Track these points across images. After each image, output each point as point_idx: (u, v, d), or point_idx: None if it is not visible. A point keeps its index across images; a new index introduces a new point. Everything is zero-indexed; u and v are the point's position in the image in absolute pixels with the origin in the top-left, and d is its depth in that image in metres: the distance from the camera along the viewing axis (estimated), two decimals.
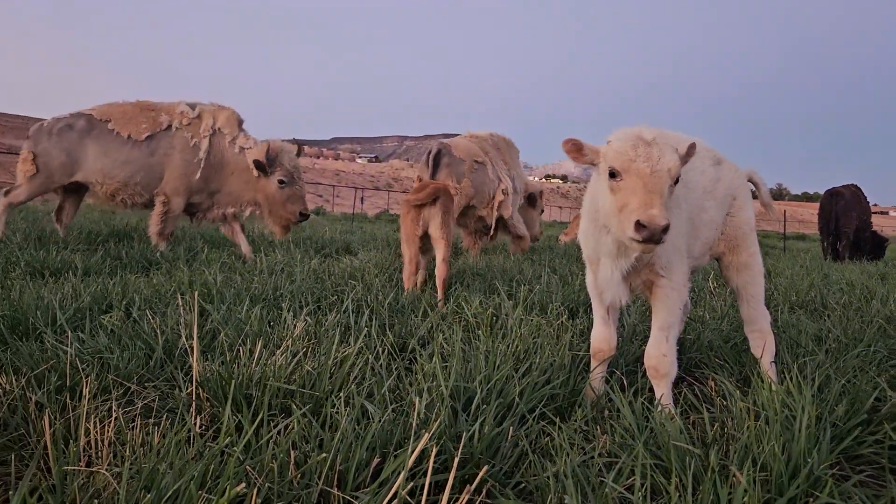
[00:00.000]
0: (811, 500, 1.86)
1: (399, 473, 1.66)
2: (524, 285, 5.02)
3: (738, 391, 2.53)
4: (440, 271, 5.01)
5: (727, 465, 1.97)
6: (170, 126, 7.64)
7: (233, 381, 2.23)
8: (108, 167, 7.48)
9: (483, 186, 8.52)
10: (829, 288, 6.24)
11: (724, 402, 2.60)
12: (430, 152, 8.21)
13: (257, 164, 7.35)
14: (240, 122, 7.93)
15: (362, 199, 44.81)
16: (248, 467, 1.72)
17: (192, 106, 7.85)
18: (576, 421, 2.43)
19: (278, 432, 2.07)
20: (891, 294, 5.76)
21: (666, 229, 2.09)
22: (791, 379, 2.46)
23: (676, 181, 2.32)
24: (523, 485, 1.98)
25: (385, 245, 9.83)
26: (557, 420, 2.32)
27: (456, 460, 1.48)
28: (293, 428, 2.01)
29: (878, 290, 6.03)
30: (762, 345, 3.04)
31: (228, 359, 2.83)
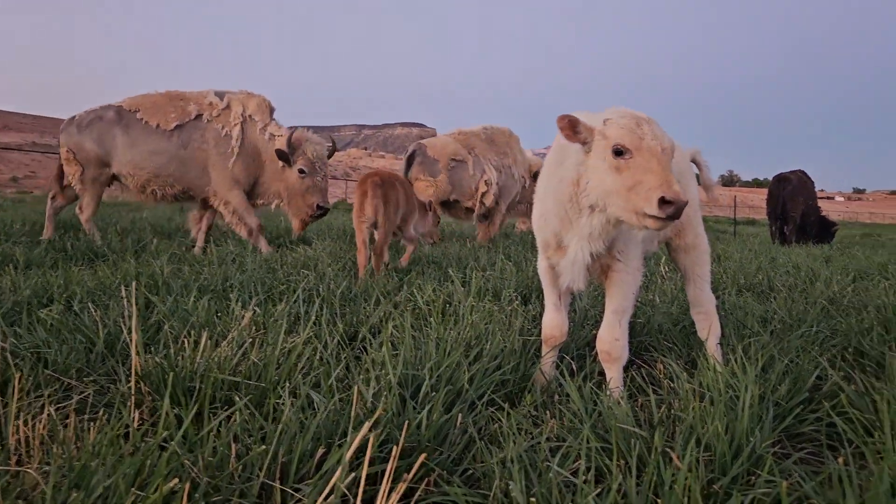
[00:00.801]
0: (753, 478, 1.89)
1: (350, 459, 1.63)
2: (478, 272, 5.02)
3: (684, 373, 2.56)
4: (373, 253, 5.41)
5: (672, 447, 1.99)
6: (199, 116, 7.45)
7: (171, 374, 2.16)
8: (138, 158, 7.30)
9: (462, 182, 9.04)
10: (776, 271, 6.39)
11: (672, 385, 2.63)
12: (406, 152, 8.95)
13: (279, 153, 7.14)
14: (271, 110, 7.74)
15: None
16: (186, 462, 1.67)
17: (221, 95, 7.65)
18: (525, 406, 2.43)
19: (220, 425, 2.02)
20: (834, 276, 5.92)
21: (686, 204, 2.11)
22: (736, 360, 2.50)
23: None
24: (471, 472, 1.97)
25: (341, 234, 9.74)
26: (506, 406, 2.31)
27: (397, 450, 1.45)
28: (236, 420, 1.96)
29: (823, 273, 6.19)
30: (708, 327, 3.09)
31: (173, 351, 2.76)
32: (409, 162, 8.86)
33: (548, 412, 2.38)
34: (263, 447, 1.66)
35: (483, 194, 9.29)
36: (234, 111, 7.51)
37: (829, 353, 3.17)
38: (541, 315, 3.74)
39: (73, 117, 7.49)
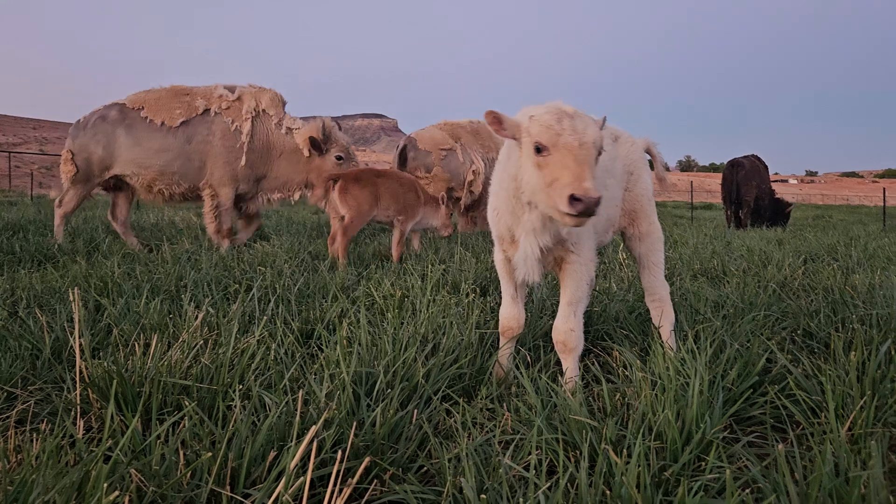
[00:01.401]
0: (704, 464, 1.92)
1: (295, 467, 1.61)
2: (437, 265, 5.01)
3: (638, 361, 2.59)
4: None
5: (625, 436, 2.01)
6: (207, 111, 7.23)
7: (116, 380, 2.11)
8: (142, 157, 7.07)
9: (456, 170, 9.34)
10: (731, 255, 6.51)
11: (626, 373, 2.65)
12: (398, 147, 9.17)
13: (313, 141, 6.99)
14: (283, 103, 7.56)
15: None
16: (132, 471, 1.63)
17: (231, 89, 7.43)
18: (481, 400, 2.43)
19: (169, 431, 1.98)
20: (786, 259, 6.05)
21: (598, 202, 2.09)
22: (687, 347, 2.53)
23: (600, 153, 2.32)
24: (426, 469, 1.97)
25: (302, 229, 9.64)
26: (462, 401, 2.31)
27: (342, 454, 1.44)
28: (185, 425, 1.92)
29: (775, 256, 6.33)
30: (661, 314, 3.13)
31: (122, 355, 2.70)
32: (403, 157, 9.01)
33: (504, 405, 2.39)
34: (210, 454, 1.62)
35: (471, 183, 9.46)
36: (246, 105, 7.33)
37: (779, 336, 3.23)
38: (499, 306, 3.75)
39: (80, 119, 7.28)
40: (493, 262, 4.87)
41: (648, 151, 3.37)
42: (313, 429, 1.50)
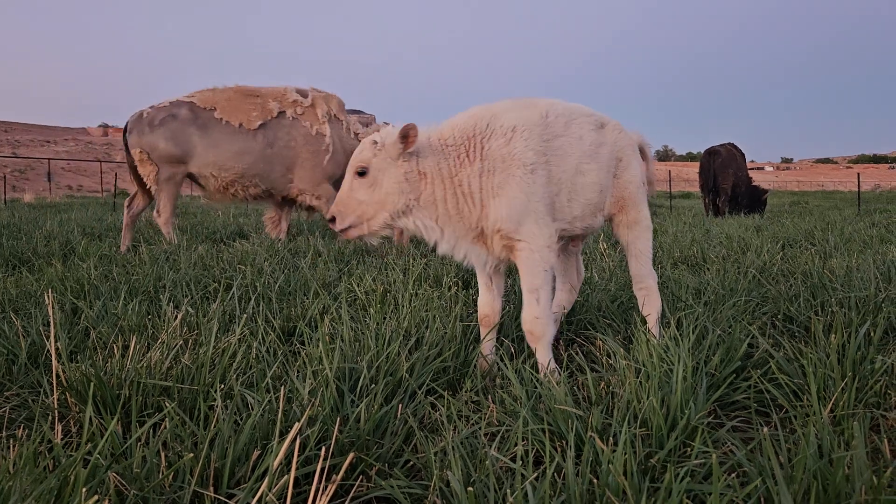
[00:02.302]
0: (689, 450, 1.92)
1: (279, 466, 1.59)
2: (419, 259, 4.99)
3: (621, 349, 2.59)
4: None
5: (610, 424, 2.01)
6: (282, 113, 7.29)
7: (93, 382, 2.07)
8: (222, 159, 7.04)
9: None
10: (710, 242, 6.55)
11: (610, 361, 2.66)
12: None
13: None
14: (344, 108, 7.74)
15: None
16: (112, 474, 1.60)
17: (303, 93, 7.50)
18: (466, 393, 2.42)
19: (150, 433, 1.95)
20: (764, 245, 6.11)
21: (342, 228, 2.66)
22: (669, 333, 2.54)
23: (362, 173, 2.69)
24: (412, 463, 1.95)
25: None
26: (447, 394, 2.30)
27: (325, 450, 1.42)
28: (165, 427, 1.89)
29: (754, 242, 6.38)
30: (649, 302, 3.12)
31: (101, 358, 2.66)
32: None
33: (489, 397, 2.38)
34: (192, 454, 1.60)
35: None
36: (319, 110, 7.44)
37: (760, 321, 3.26)
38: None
39: (142, 115, 7.10)
40: None
41: (641, 149, 3.33)
42: (296, 426, 1.48)
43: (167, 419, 1.91)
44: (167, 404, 2.00)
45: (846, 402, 2.18)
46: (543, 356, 2.66)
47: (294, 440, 1.49)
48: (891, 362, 2.50)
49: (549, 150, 2.81)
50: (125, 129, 7.21)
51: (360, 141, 7.37)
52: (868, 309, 3.32)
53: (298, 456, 1.78)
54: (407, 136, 2.63)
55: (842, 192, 48.46)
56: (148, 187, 7.21)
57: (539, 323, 2.67)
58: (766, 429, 1.71)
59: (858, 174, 21.46)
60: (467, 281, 4.54)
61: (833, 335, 2.51)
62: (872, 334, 2.72)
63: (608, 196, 3.09)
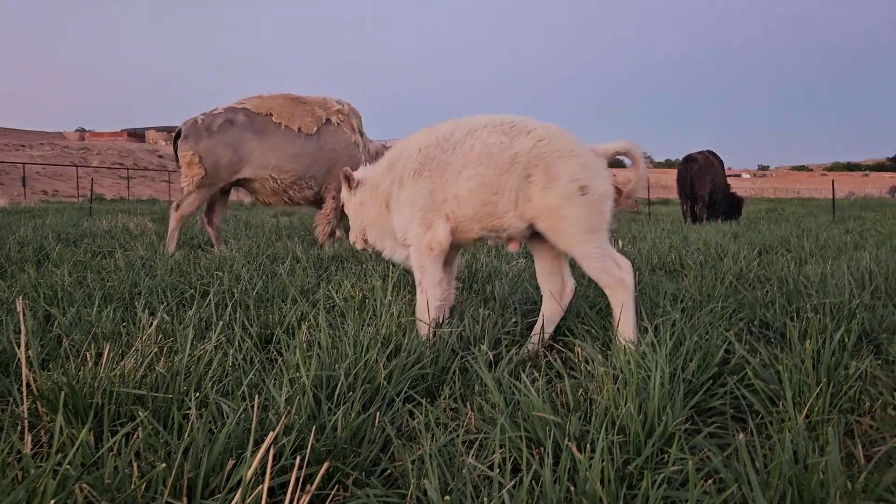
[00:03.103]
0: (667, 456, 1.93)
1: (254, 474, 1.57)
2: (399, 265, 4.97)
3: (599, 356, 2.60)
4: None
5: (588, 431, 2.01)
6: (329, 121, 7.65)
7: (64, 391, 2.03)
8: (282, 161, 7.28)
9: None
10: (688, 249, 6.60)
11: (588, 368, 2.66)
12: None
13: None
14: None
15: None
16: (83, 485, 1.57)
17: (341, 103, 7.90)
18: (445, 399, 2.41)
19: (123, 442, 1.92)
20: (741, 251, 6.17)
21: None
22: (647, 339, 2.55)
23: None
24: (389, 471, 1.94)
25: (260, 232, 9.51)
26: (425, 401, 2.28)
27: (300, 458, 1.40)
28: (138, 436, 1.86)
29: (731, 248, 6.44)
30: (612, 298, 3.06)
31: (73, 366, 2.61)
32: None
33: (467, 404, 2.37)
34: (164, 465, 1.57)
35: None
36: (354, 120, 7.90)
37: (737, 327, 3.28)
38: (460, 305, 3.74)
39: (196, 121, 7.20)
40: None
41: (632, 157, 3.25)
42: (271, 435, 1.46)
43: (140, 428, 1.87)
44: (140, 413, 1.97)
45: (821, 408, 2.20)
46: (423, 331, 3.13)
47: (268, 450, 1.47)
48: (864, 368, 2.53)
49: (434, 165, 3.19)
50: (177, 136, 7.31)
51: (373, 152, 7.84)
52: (842, 315, 3.36)
53: (274, 465, 1.77)
54: (347, 178, 3.60)
55: (817, 199, 49.16)
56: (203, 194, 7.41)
57: (422, 310, 3.18)
58: (741, 435, 1.71)
59: (833, 181, 21.78)
60: None
61: (808, 341, 2.54)
62: (846, 340, 2.74)
63: (518, 199, 3.06)
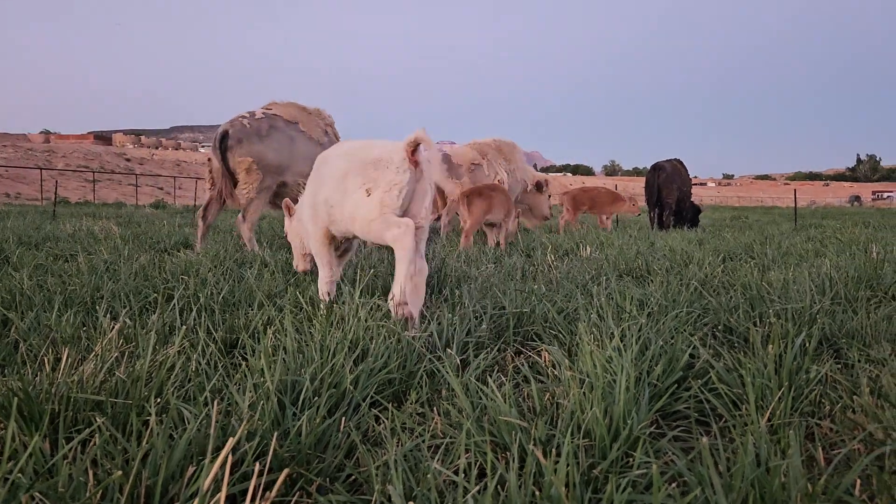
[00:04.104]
0: (631, 460, 1.93)
1: (210, 484, 1.53)
2: (370, 269, 4.95)
3: (566, 360, 2.60)
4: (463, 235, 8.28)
5: (554, 435, 2.01)
6: (327, 132, 7.95)
7: (16, 397, 1.97)
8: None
9: (483, 180, 10.67)
10: (654, 255, 6.67)
11: (555, 372, 2.67)
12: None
13: None
14: None
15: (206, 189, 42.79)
16: (34, 494, 1.52)
17: (325, 113, 8.21)
18: (411, 404, 2.39)
19: (80, 450, 1.87)
20: (706, 258, 6.25)
21: None
22: (613, 344, 2.56)
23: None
24: (354, 477, 1.91)
25: (228, 237, 9.39)
26: (391, 406, 2.27)
27: (260, 465, 1.38)
28: (95, 443, 1.81)
29: (696, 255, 6.52)
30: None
31: (30, 371, 2.54)
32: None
33: (434, 409, 2.36)
34: (120, 472, 1.53)
35: None
36: (335, 131, 8.27)
37: (702, 332, 3.32)
38: (429, 309, 3.73)
39: (244, 125, 7.18)
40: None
41: (421, 140, 3.51)
42: (230, 441, 1.43)
43: (97, 435, 1.82)
44: (97, 419, 1.92)
45: (783, 412, 2.23)
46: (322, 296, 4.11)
47: (227, 456, 1.44)
48: (825, 372, 2.57)
49: (314, 178, 4.10)
50: (222, 138, 7.24)
51: None
52: (804, 320, 3.42)
53: (236, 472, 1.73)
54: (287, 207, 4.79)
55: (780, 207, 50.14)
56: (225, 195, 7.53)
57: (321, 282, 4.17)
58: (704, 438, 1.72)
59: (795, 190, 22.22)
60: None
61: (770, 346, 2.57)
62: (808, 345, 2.79)
63: (346, 209, 3.67)
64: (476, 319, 3.50)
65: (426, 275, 3.59)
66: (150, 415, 2.09)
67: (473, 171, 10.95)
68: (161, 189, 60.77)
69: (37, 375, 2.40)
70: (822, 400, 2.44)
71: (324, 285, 4.13)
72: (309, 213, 4.09)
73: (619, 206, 14.00)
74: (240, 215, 7.42)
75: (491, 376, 2.67)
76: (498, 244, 8.57)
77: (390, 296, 3.46)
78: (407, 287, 3.38)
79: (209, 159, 7.69)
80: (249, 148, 7.15)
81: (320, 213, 3.92)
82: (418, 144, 3.52)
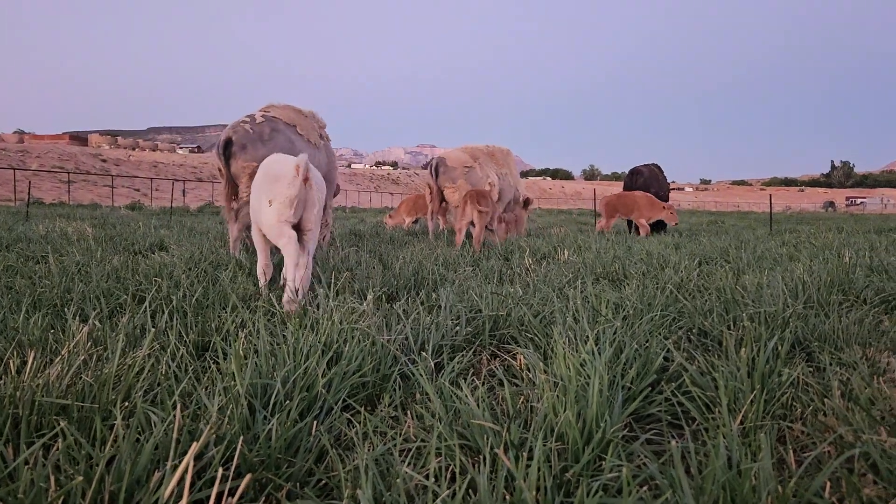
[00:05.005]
0: (604, 463, 1.93)
1: (172, 492, 1.50)
2: (345, 272, 4.92)
3: (541, 363, 2.60)
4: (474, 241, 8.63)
5: (527, 439, 2.00)
6: (321, 135, 8.11)
7: None
8: None
9: (476, 183, 10.97)
10: (631, 259, 6.71)
11: (530, 375, 2.66)
12: (431, 165, 11.20)
13: None
14: None
15: (183, 191, 42.48)
16: None
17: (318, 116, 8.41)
18: (385, 408, 2.37)
19: (43, 454, 1.82)
20: (682, 261, 6.30)
21: None
22: (588, 347, 2.56)
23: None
24: (324, 482, 1.89)
25: (204, 238, 9.29)
26: (363, 409, 2.24)
27: (224, 469, 1.35)
28: (58, 447, 1.77)
29: (672, 259, 6.57)
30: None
31: None
32: (436, 171, 11.05)
33: (408, 412, 2.34)
34: (81, 478, 1.49)
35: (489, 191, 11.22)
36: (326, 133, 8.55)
37: (676, 335, 3.33)
38: (405, 312, 3.71)
39: (247, 130, 7.09)
40: (400, 267, 4.85)
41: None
42: (193, 446, 1.40)
43: (60, 439, 1.78)
44: (61, 423, 1.87)
45: (755, 414, 2.24)
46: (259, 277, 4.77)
47: (189, 463, 1.41)
48: (797, 375, 2.59)
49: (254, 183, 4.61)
50: (226, 145, 7.17)
51: None
52: (777, 323, 3.45)
53: (203, 477, 1.70)
54: None
55: (756, 212, 50.73)
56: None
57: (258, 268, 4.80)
58: (673, 442, 1.72)
59: (770, 196, 22.50)
60: (392, 295, 4.50)
61: (743, 349, 2.58)
62: (780, 348, 2.81)
63: (261, 215, 4.44)
64: (452, 322, 3.48)
65: (310, 269, 4.41)
66: (116, 418, 2.04)
67: (467, 174, 11.16)
68: (138, 191, 60.12)
69: (1, 379, 2.34)
70: (794, 403, 2.46)
71: (259, 269, 4.76)
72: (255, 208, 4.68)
73: (658, 213, 13.56)
74: (232, 213, 7.30)
75: (465, 379, 2.66)
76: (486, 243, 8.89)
77: (281, 279, 4.50)
78: (289, 273, 4.22)
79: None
80: (254, 154, 7.05)
81: (252, 215, 4.71)
82: (305, 165, 4.24)
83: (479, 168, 11.27)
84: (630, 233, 13.64)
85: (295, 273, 4.22)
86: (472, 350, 3.23)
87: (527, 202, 12.43)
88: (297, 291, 4.11)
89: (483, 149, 11.77)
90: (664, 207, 13.45)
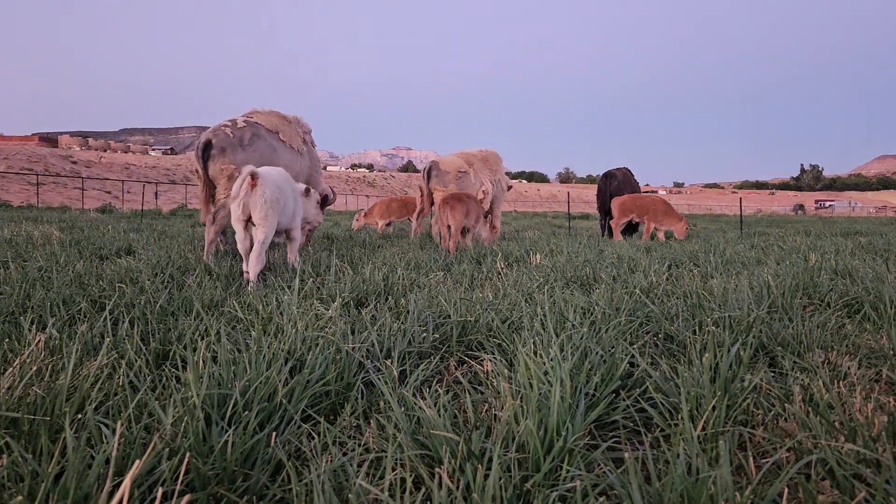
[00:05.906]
0: (563, 472, 1.92)
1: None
2: (310, 278, 4.87)
3: (505, 370, 2.58)
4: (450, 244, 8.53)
5: (486, 448, 1.98)
6: (305, 140, 8.25)
7: None
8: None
9: (469, 188, 11.19)
10: (602, 263, 6.73)
11: (495, 383, 2.64)
12: (425, 169, 11.33)
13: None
14: None
15: (156, 193, 41.99)
16: None
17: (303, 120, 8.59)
18: (346, 417, 2.34)
19: None
20: (652, 265, 6.34)
21: None
22: (551, 354, 2.55)
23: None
24: (281, 496, 1.85)
25: (173, 242, 9.16)
26: (323, 420, 2.21)
27: (161, 490, 1.31)
28: (2, 463, 1.71)
29: (643, 262, 6.61)
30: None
31: None
32: (428, 175, 11.20)
33: (370, 422, 2.31)
34: (20, 497, 1.44)
35: (481, 200, 11.32)
36: (311, 138, 8.81)
37: (642, 340, 3.34)
38: (375, 318, 3.67)
39: (227, 134, 7.20)
40: (369, 273, 4.82)
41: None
42: (137, 463, 1.36)
43: (4, 455, 1.73)
44: (5, 437, 1.82)
45: (717, 420, 2.25)
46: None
47: (131, 480, 1.37)
48: (758, 380, 2.61)
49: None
50: (205, 147, 7.23)
51: None
52: (741, 328, 3.47)
53: (154, 491, 1.66)
54: None
55: (728, 215, 51.40)
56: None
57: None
58: (627, 453, 1.72)
59: (741, 199, 22.80)
60: (361, 300, 4.47)
61: (706, 354, 2.59)
62: (743, 353, 2.83)
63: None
64: (420, 328, 3.46)
65: (262, 260, 5.30)
66: (66, 431, 1.99)
67: (460, 179, 11.31)
68: (109, 193, 59.18)
69: None
70: (756, 409, 2.47)
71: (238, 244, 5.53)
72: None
73: (672, 222, 12.87)
74: (210, 215, 7.26)
75: (431, 387, 2.64)
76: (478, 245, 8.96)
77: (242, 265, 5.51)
78: (246, 263, 5.32)
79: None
80: (233, 157, 7.15)
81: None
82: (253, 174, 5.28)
83: (472, 174, 11.42)
84: (603, 235, 13.72)
85: (247, 261, 5.39)
86: (440, 356, 3.20)
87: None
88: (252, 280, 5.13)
89: (478, 154, 11.91)
90: (680, 219, 12.87)
